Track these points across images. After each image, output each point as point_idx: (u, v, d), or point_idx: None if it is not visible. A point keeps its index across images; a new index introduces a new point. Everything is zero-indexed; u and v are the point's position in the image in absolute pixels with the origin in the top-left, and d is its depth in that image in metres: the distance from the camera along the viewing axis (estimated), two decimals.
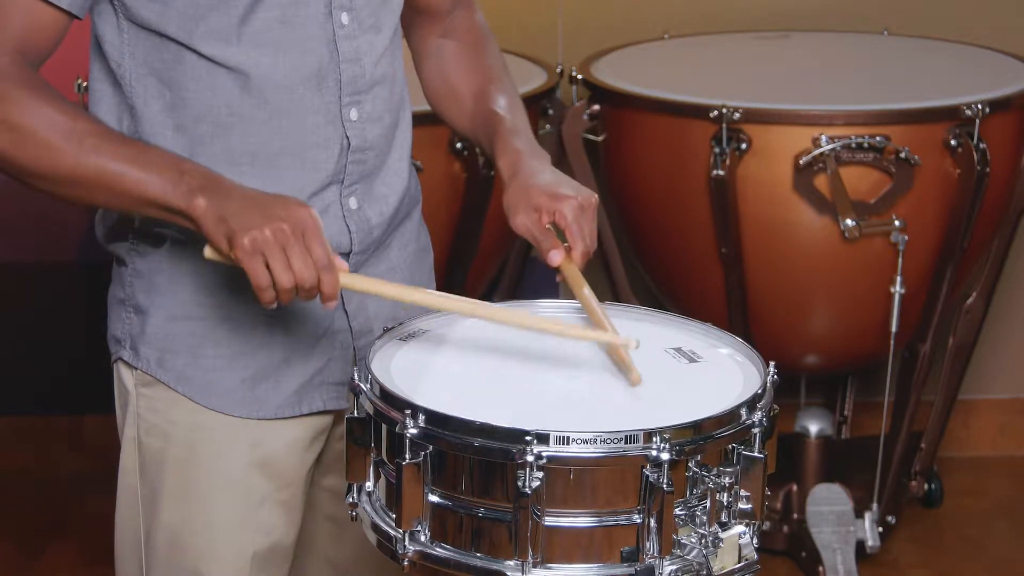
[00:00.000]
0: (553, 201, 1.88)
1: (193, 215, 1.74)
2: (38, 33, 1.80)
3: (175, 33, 1.84)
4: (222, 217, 1.73)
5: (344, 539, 2.08)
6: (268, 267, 1.71)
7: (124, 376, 1.97)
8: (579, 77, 3.34)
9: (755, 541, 1.68)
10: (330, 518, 2.08)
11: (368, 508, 1.74)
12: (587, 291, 1.87)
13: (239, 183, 1.78)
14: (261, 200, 1.75)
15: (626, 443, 1.60)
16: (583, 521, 1.62)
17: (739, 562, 1.67)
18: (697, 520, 1.64)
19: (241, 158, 1.88)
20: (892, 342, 3.23)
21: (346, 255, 1.94)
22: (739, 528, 1.67)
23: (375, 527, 1.72)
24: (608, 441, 1.60)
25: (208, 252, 1.77)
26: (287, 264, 1.72)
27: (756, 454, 1.66)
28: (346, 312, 1.97)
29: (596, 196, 1.92)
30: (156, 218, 1.80)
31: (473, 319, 1.90)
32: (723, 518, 1.66)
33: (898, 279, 3.16)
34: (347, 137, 1.92)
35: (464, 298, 1.82)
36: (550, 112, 3.29)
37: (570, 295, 1.91)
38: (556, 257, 1.88)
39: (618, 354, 1.78)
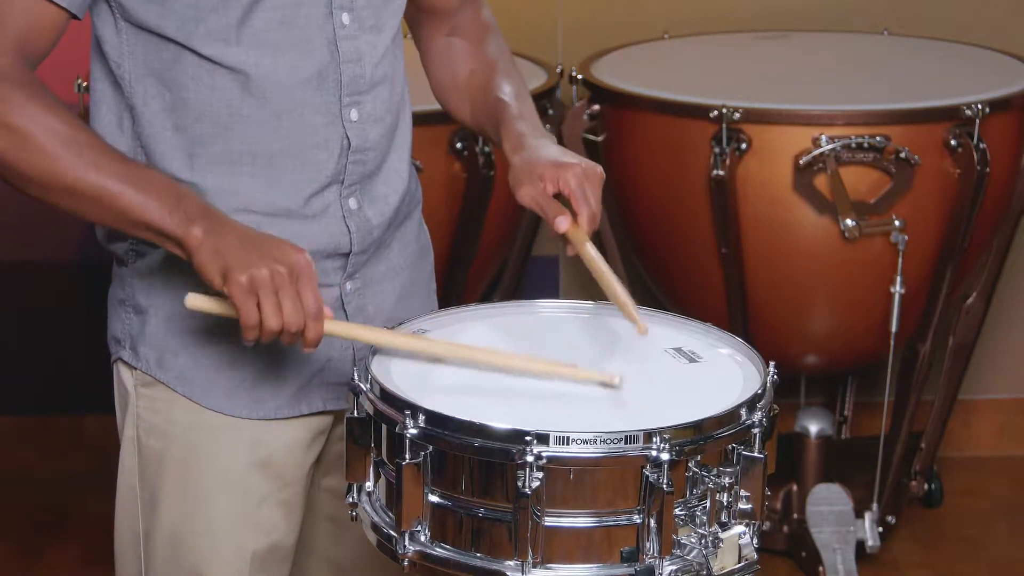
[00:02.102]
0: (557, 170, 1.88)
1: (187, 244, 1.74)
2: (37, 32, 1.79)
3: (174, 34, 1.84)
4: (218, 251, 1.73)
5: (344, 539, 2.08)
6: (259, 307, 1.72)
7: (124, 376, 1.97)
8: (579, 77, 3.34)
9: (755, 541, 1.68)
10: (330, 518, 2.08)
11: (368, 508, 1.74)
12: (592, 251, 1.86)
13: (237, 188, 1.78)
14: (259, 240, 1.75)
15: (626, 443, 1.60)
16: (583, 521, 1.62)
17: (739, 562, 1.67)
18: (697, 520, 1.64)
19: (241, 158, 1.88)
20: (892, 342, 3.23)
21: (346, 255, 1.94)
22: (739, 528, 1.67)
23: (375, 527, 1.72)
24: (608, 441, 1.60)
25: (191, 301, 1.76)
26: (278, 308, 1.72)
27: (756, 454, 1.67)
28: (346, 313, 1.97)
29: (601, 168, 1.91)
30: (146, 240, 1.79)
31: (475, 317, 1.90)
32: (723, 518, 1.66)
33: (898, 279, 3.16)
34: (347, 137, 1.92)
35: (449, 342, 1.81)
36: (550, 112, 3.29)
37: (576, 293, 1.91)
38: (563, 223, 1.87)
39: (625, 309, 1.79)
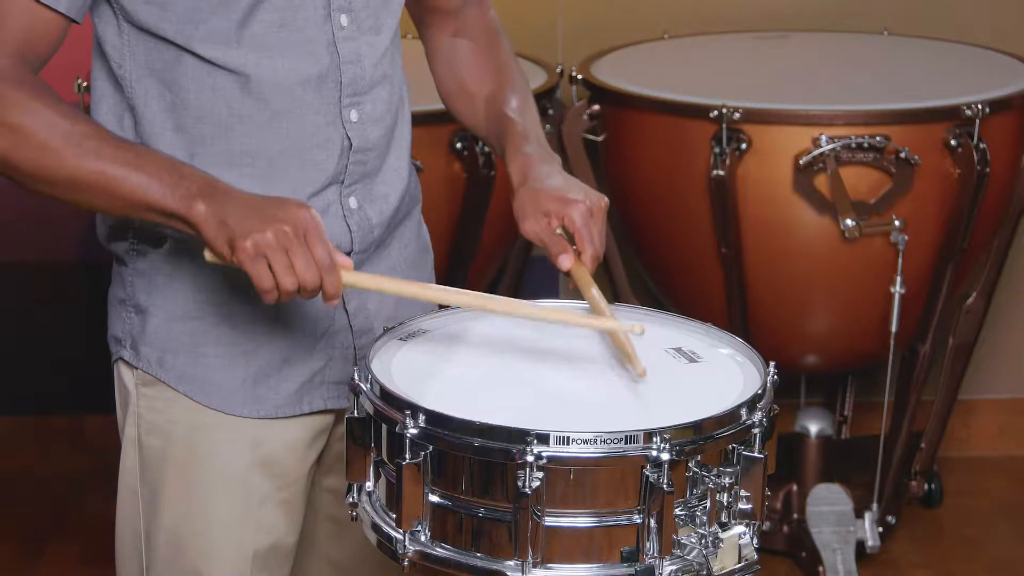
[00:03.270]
0: (562, 206, 1.89)
1: (193, 220, 1.74)
2: (37, 36, 1.79)
3: (174, 36, 1.84)
4: (223, 222, 1.73)
5: (345, 539, 2.08)
6: (271, 269, 1.71)
7: (124, 376, 1.97)
8: (579, 77, 3.34)
9: (755, 541, 1.68)
10: (331, 518, 2.08)
11: (368, 508, 1.74)
12: (596, 292, 1.87)
13: (237, 187, 1.78)
14: (261, 203, 1.75)
15: (626, 443, 1.60)
16: (583, 521, 1.62)
17: (739, 562, 1.67)
18: (697, 520, 1.64)
19: (241, 159, 1.88)
20: (892, 342, 3.23)
21: (346, 254, 1.94)
22: (739, 528, 1.67)
23: (375, 527, 1.72)
24: (608, 441, 1.60)
25: (209, 256, 1.77)
26: (290, 266, 1.72)
27: (756, 454, 1.67)
28: (347, 311, 1.97)
29: (606, 199, 1.92)
30: (154, 222, 1.80)
31: (476, 316, 1.90)
32: (723, 518, 1.66)
33: (898, 279, 3.16)
34: (348, 138, 1.92)
35: (466, 291, 1.82)
36: (550, 112, 3.29)
37: (578, 298, 1.91)
38: (566, 262, 1.89)
39: (623, 349, 1.78)
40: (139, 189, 1.75)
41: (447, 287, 1.83)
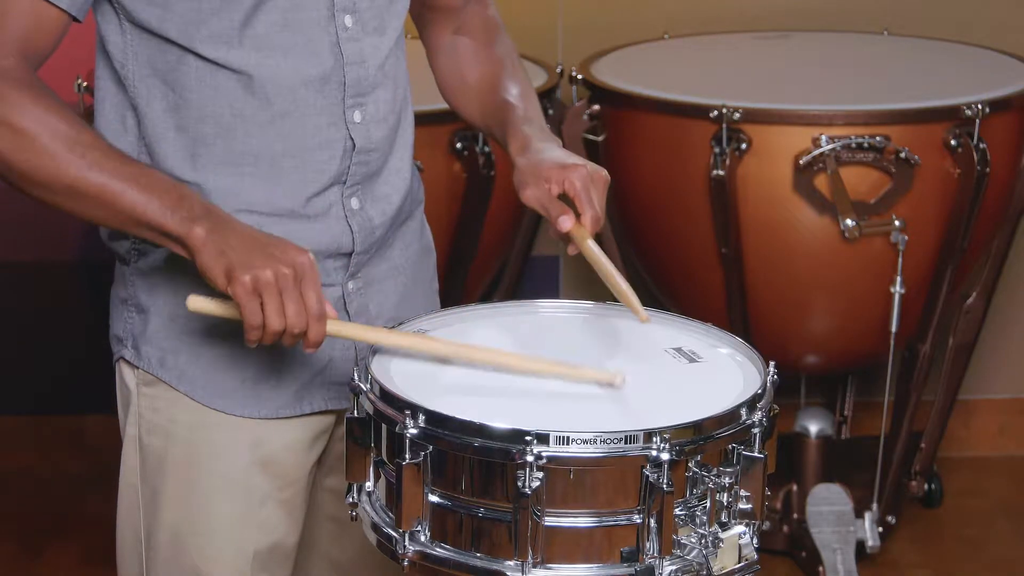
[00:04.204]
0: (562, 171, 1.88)
1: (190, 242, 1.74)
2: (39, 33, 1.79)
3: (176, 36, 1.84)
4: (222, 251, 1.73)
5: (346, 539, 2.08)
6: (262, 308, 1.72)
7: (126, 375, 1.97)
8: (579, 77, 3.34)
9: (755, 541, 1.68)
10: (332, 518, 2.08)
11: (368, 508, 1.74)
12: (594, 247, 1.86)
13: (239, 187, 1.78)
14: (262, 240, 1.75)
15: (626, 443, 1.60)
16: (583, 521, 1.62)
17: (739, 562, 1.67)
18: (697, 520, 1.64)
19: (243, 159, 1.88)
20: (892, 342, 3.23)
21: (348, 255, 1.94)
22: (739, 528, 1.67)
23: (375, 527, 1.72)
24: (608, 441, 1.60)
25: (192, 303, 1.76)
26: (281, 309, 1.72)
27: (756, 454, 1.67)
28: (348, 313, 1.97)
29: (606, 172, 1.91)
30: (147, 240, 1.80)
31: (475, 316, 1.90)
32: (723, 518, 1.66)
33: (898, 279, 3.16)
34: (351, 138, 1.92)
35: (448, 341, 1.81)
36: (550, 112, 3.29)
37: (576, 298, 1.91)
38: (566, 222, 1.87)
39: (625, 298, 1.79)
40: (138, 205, 1.75)
41: (430, 337, 1.82)
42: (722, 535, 1.65)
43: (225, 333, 1.92)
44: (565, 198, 1.88)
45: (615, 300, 1.89)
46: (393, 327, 1.86)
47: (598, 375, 1.76)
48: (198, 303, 1.77)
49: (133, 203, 1.75)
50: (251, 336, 1.74)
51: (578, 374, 1.77)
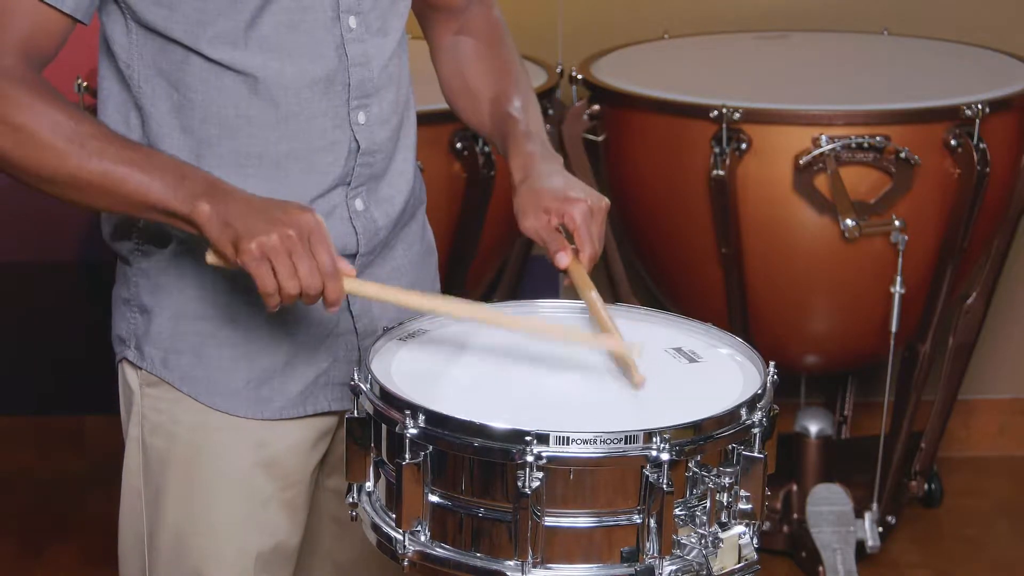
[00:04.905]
0: (563, 204, 1.89)
1: (196, 220, 1.74)
2: (42, 36, 1.79)
3: (181, 37, 1.84)
4: (227, 222, 1.72)
5: (348, 540, 2.08)
6: (274, 272, 1.71)
7: (128, 376, 1.97)
8: (579, 77, 3.34)
9: (755, 541, 1.68)
10: (334, 519, 2.08)
11: (368, 508, 1.74)
12: (594, 294, 1.86)
13: (243, 188, 1.78)
14: (265, 205, 1.75)
15: (626, 443, 1.60)
16: (583, 521, 1.62)
17: (739, 562, 1.67)
18: (697, 520, 1.64)
19: (247, 160, 1.88)
20: (892, 342, 3.23)
21: (352, 257, 1.94)
22: (739, 528, 1.67)
23: (375, 527, 1.72)
24: (608, 441, 1.60)
25: (211, 258, 1.76)
26: (293, 271, 1.72)
27: (756, 454, 1.67)
28: (351, 313, 1.97)
29: (607, 201, 1.92)
30: (157, 222, 1.80)
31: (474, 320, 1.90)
32: (723, 518, 1.66)
33: (898, 279, 3.16)
34: (355, 140, 1.92)
35: (467, 301, 1.82)
36: (550, 112, 3.30)
37: (575, 297, 1.91)
38: (563, 259, 1.88)
39: (622, 357, 1.78)
40: (142, 188, 1.75)
41: (449, 297, 1.83)
42: (722, 535, 1.65)
43: (228, 334, 1.92)
44: (564, 229, 1.89)
45: (614, 301, 1.89)
46: (392, 327, 1.86)
47: (619, 345, 1.76)
48: (214, 258, 1.76)
49: (136, 187, 1.75)
50: (269, 302, 1.73)
51: (601, 343, 1.77)
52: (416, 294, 1.83)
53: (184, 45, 1.84)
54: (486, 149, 3.15)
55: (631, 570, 1.63)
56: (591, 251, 1.88)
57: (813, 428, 3.43)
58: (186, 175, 1.76)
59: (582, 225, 1.88)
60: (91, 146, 1.75)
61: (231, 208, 1.73)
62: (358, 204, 1.94)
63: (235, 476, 1.95)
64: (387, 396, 1.69)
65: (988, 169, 3.11)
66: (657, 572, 1.62)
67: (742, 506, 1.66)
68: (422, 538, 1.67)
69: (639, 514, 1.62)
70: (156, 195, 1.75)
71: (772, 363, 1.76)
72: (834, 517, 3.32)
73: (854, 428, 3.72)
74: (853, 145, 3.07)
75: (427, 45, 2.17)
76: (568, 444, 1.60)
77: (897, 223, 3.11)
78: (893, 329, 3.20)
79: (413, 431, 1.64)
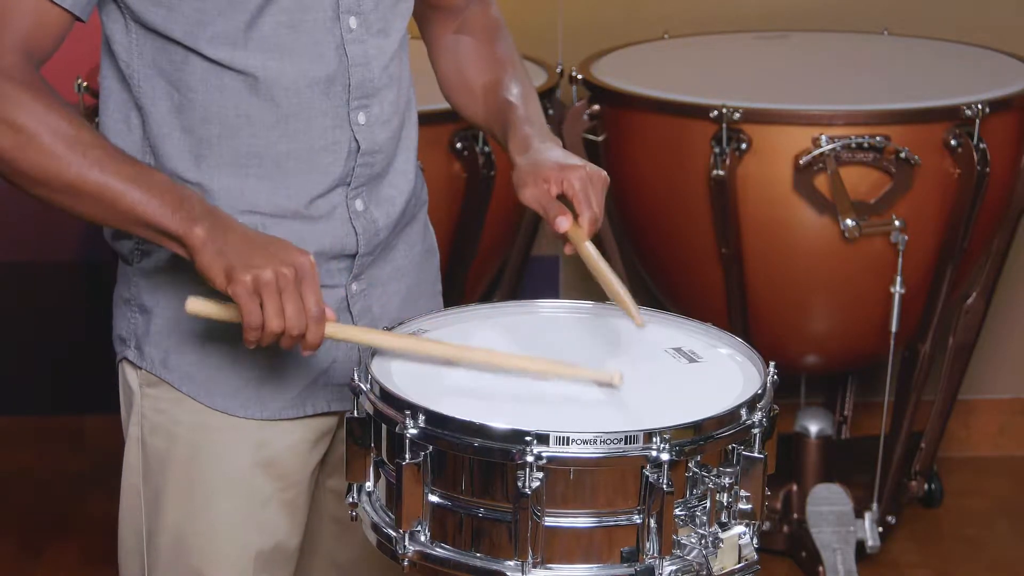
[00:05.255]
0: (561, 171, 1.88)
1: (190, 242, 1.74)
2: (42, 33, 1.79)
3: (181, 37, 1.84)
4: (222, 251, 1.73)
5: (349, 540, 2.08)
6: (262, 308, 1.72)
7: (129, 376, 1.97)
8: (579, 77, 3.34)
9: (755, 541, 1.69)
10: (334, 519, 2.08)
11: (368, 508, 1.74)
12: (591, 249, 1.86)
13: (243, 188, 1.78)
14: (262, 240, 1.75)
15: (626, 443, 1.60)
16: (583, 521, 1.62)
17: (739, 562, 1.67)
18: (697, 520, 1.64)
19: (248, 160, 1.88)
20: (892, 342, 3.23)
21: (352, 257, 1.94)
22: (739, 528, 1.67)
23: (375, 527, 1.72)
24: (608, 441, 1.60)
25: (191, 305, 1.76)
26: (280, 310, 1.72)
27: (756, 454, 1.67)
28: (351, 314, 1.97)
29: (605, 173, 1.91)
30: (148, 240, 1.79)
31: (476, 317, 1.90)
32: (723, 518, 1.66)
33: (898, 279, 3.16)
34: (356, 140, 1.92)
35: (447, 344, 1.81)
36: (550, 112, 3.30)
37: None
38: (563, 223, 1.87)
39: (621, 301, 1.79)
40: (139, 205, 1.75)
41: (428, 340, 1.82)
42: (722, 535, 1.65)
43: (228, 334, 1.91)
44: (564, 198, 1.88)
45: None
46: (392, 328, 1.86)
47: (596, 375, 1.76)
48: (197, 306, 1.77)
49: (134, 203, 1.75)
50: (250, 336, 1.74)
51: (576, 373, 1.76)
52: (391, 335, 1.82)
53: (184, 45, 1.84)
54: (486, 149, 3.15)
55: (631, 570, 1.63)
56: (590, 215, 1.87)
57: (813, 428, 3.43)
58: (185, 197, 1.76)
59: (580, 191, 1.87)
60: (91, 156, 1.75)
61: (227, 238, 1.74)
62: (358, 204, 1.94)
63: (235, 476, 1.95)
64: (387, 396, 1.69)
65: (988, 169, 3.11)
66: (657, 572, 1.62)
67: (742, 506, 1.66)
68: (422, 538, 1.67)
69: (639, 514, 1.62)
70: (152, 213, 1.74)
71: (772, 363, 1.76)
72: (834, 517, 3.32)
73: (854, 428, 3.72)
74: (853, 145, 3.07)
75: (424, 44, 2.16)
76: (568, 444, 1.60)
77: (897, 223, 3.11)
78: (893, 329, 3.20)
79: (413, 431, 1.64)
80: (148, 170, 1.80)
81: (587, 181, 1.87)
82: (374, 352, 1.80)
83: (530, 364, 1.78)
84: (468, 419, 1.62)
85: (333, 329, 1.78)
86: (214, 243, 1.73)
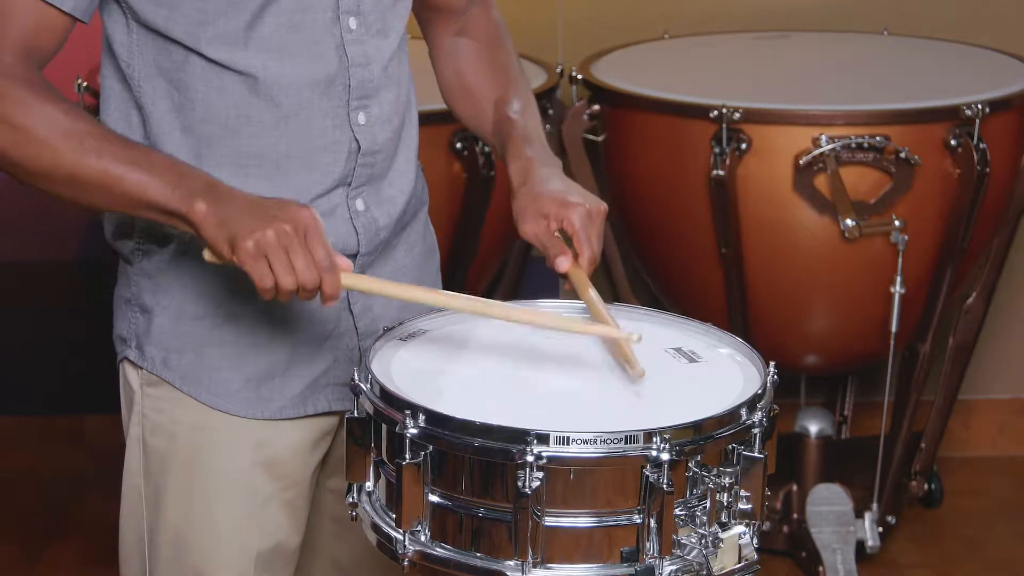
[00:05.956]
0: (561, 208, 1.89)
1: (193, 219, 1.74)
2: (43, 34, 1.80)
3: (182, 37, 1.84)
4: (223, 221, 1.73)
5: (349, 540, 2.08)
6: (271, 268, 1.71)
7: (129, 375, 1.97)
8: (579, 77, 3.34)
9: (755, 541, 1.69)
10: (335, 519, 2.08)
11: (368, 508, 1.74)
12: (593, 293, 1.87)
13: (244, 189, 1.78)
14: (262, 203, 1.75)
15: (626, 443, 1.60)
16: (583, 521, 1.63)
17: (739, 562, 1.67)
18: (697, 520, 1.64)
19: (248, 160, 1.88)
20: (892, 342, 3.23)
21: (353, 256, 1.94)
22: (739, 528, 1.67)
23: (375, 527, 1.72)
24: (608, 441, 1.60)
25: (207, 255, 1.77)
26: (289, 265, 1.72)
27: (756, 454, 1.67)
28: (352, 313, 1.97)
29: (605, 205, 1.93)
30: (153, 221, 1.80)
31: (476, 317, 1.90)
32: (723, 518, 1.66)
33: (898, 279, 3.16)
34: (356, 140, 1.92)
35: (467, 296, 1.82)
36: (550, 112, 3.30)
37: (574, 299, 1.92)
38: (563, 263, 1.89)
39: (621, 349, 1.79)
40: (139, 187, 1.75)
41: (447, 292, 1.83)
42: (722, 535, 1.65)
43: (229, 334, 1.92)
44: (563, 233, 1.89)
45: (614, 300, 1.89)
46: (392, 327, 1.86)
47: (616, 333, 1.76)
48: (211, 255, 1.76)
49: (134, 185, 1.75)
50: (265, 297, 1.74)
51: (597, 331, 1.78)
52: (412, 287, 1.83)
53: (184, 45, 1.84)
54: (486, 149, 3.15)
55: (631, 570, 1.63)
56: (590, 254, 1.88)
57: (813, 428, 3.43)
58: (184, 174, 1.76)
59: (581, 229, 1.88)
60: (88, 143, 1.75)
61: (228, 207, 1.74)
62: (359, 204, 1.94)
63: (235, 476, 1.95)
64: (387, 396, 1.70)
65: (988, 169, 3.11)
66: (657, 572, 1.62)
67: (742, 506, 1.66)
68: (422, 538, 1.67)
69: (639, 514, 1.62)
70: (153, 193, 1.75)
71: (772, 363, 1.76)
72: (834, 517, 3.32)
73: (854, 428, 3.72)
74: (853, 145, 3.07)
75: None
76: (568, 444, 1.60)
77: (897, 223, 3.11)
78: (893, 329, 3.20)
79: (413, 431, 1.64)
80: (146, 150, 1.80)
81: (587, 219, 1.89)
82: (374, 352, 1.80)
83: (547, 320, 1.79)
84: (468, 419, 1.62)
85: (351, 279, 1.77)
86: (216, 215, 1.73)
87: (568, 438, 1.60)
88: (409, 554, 1.67)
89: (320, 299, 1.75)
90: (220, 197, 1.75)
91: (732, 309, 3.21)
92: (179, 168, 1.77)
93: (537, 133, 2.02)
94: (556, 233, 1.90)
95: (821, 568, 3.29)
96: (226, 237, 1.72)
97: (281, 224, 1.72)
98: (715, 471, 1.65)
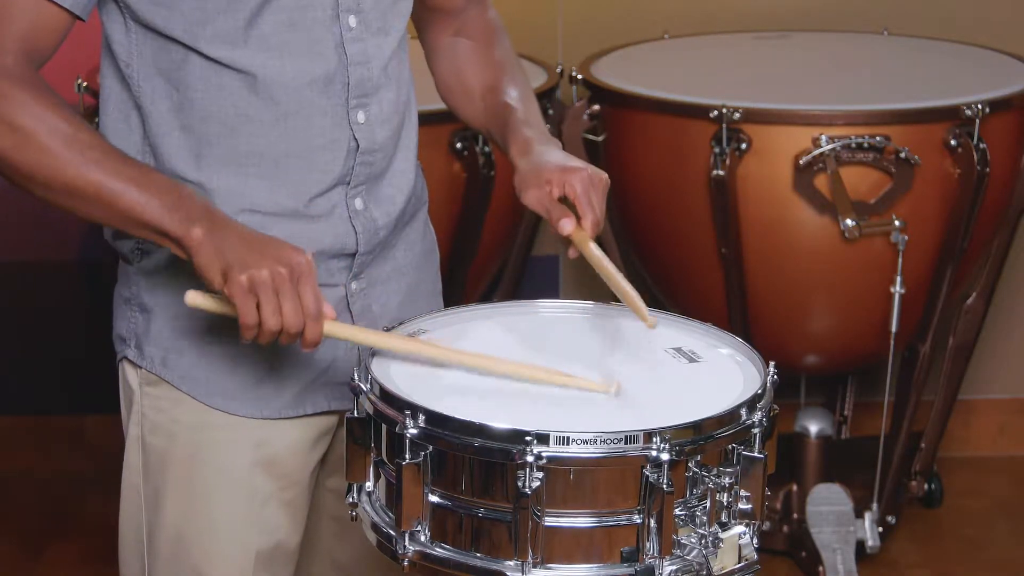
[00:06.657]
0: (563, 174, 1.88)
1: (187, 243, 1.74)
2: (42, 33, 1.79)
3: (181, 36, 1.84)
4: (219, 250, 1.73)
5: (349, 539, 2.08)
6: (258, 307, 1.72)
7: (129, 375, 1.97)
8: (579, 77, 3.34)
9: (755, 541, 1.69)
10: (334, 518, 2.08)
11: (368, 508, 1.74)
12: (596, 251, 1.86)
13: (243, 187, 1.78)
14: (259, 240, 1.76)
15: (626, 443, 1.60)
16: (583, 521, 1.63)
17: (739, 562, 1.67)
18: (697, 520, 1.64)
19: (247, 159, 1.88)
20: (892, 342, 3.23)
21: (352, 256, 1.94)
22: (739, 528, 1.67)
23: (375, 527, 1.72)
24: (608, 441, 1.60)
25: (191, 297, 1.76)
26: (277, 308, 1.72)
27: (756, 454, 1.67)
28: (351, 313, 1.97)
29: (606, 175, 1.91)
30: (145, 239, 1.80)
31: (476, 317, 1.90)
32: (723, 518, 1.66)
33: (898, 279, 3.16)
34: (355, 139, 1.92)
35: (441, 346, 1.81)
36: (550, 112, 3.30)
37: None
38: (567, 226, 1.87)
39: (630, 300, 1.79)
40: (137, 205, 1.75)
41: (426, 342, 1.82)
42: (722, 535, 1.65)
43: (228, 333, 1.91)
44: (566, 201, 1.88)
45: (615, 300, 1.89)
46: (392, 328, 1.86)
47: (591, 384, 1.75)
48: (196, 299, 1.77)
49: (132, 203, 1.75)
50: (246, 335, 1.74)
51: (571, 383, 1.76)
52: (390, 336, 1.82)
53: (183, 44, 1.84)
54: (486, 149, 3.15)
55: (631, 570, 1.63)
56: (593, 218, 1.87)
57: (813, 428, 3.43)
58: (183, 197, 1.76)
59: (582, 193, 1.87)
60: (89, 155, 1.75)
61: (225, 238, 1.74)
62: (358, 203, 1.94)
63: (235, 475, 1.95)
64: (387, 396, 1.69)
65: (988, 169, 3.11)
66: (657, 572, 1.62)
67: (742, 506, 1.66)
68: (422, 538, 1.67)
69: (639, 514, 1.62)
70: (150, 214, 1.75)
71: (772, 363, 1.76)
72: (834, 517, 3.32)
73: (854, 428, 3.72)
74: (853, 145, 3.07)
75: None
76: (568, 444, 1.60)
77: (897, 223, 3.11)
78: (893, 329, 3.20)
79: (413, 431, 1.64)
80: (147, 170, 1.80)
81: (588, 183, 1.88)
82: (374, 352, 1.80)
83: (526, 371, 1.77)
84: (468, 419, 1.62)
85: (332, 327, 1.78)
86: (211, 243, 1.73)
87: (568, 438, 1.60)
88: (409, 554, 1.67)
89: (300, 343, 1.76)
90: (217, 225, 1.75)
91: (732, 309, 3.21)
92: (178, 191, 1.77)
93: (536, 118, 2.01)
94: (560, 201, 1.89)
95: (821, 568, 3.29)
96: (220, 267, 1.72)
97: (276, 265, 1.72)
98: (715, 471, 1.65)
